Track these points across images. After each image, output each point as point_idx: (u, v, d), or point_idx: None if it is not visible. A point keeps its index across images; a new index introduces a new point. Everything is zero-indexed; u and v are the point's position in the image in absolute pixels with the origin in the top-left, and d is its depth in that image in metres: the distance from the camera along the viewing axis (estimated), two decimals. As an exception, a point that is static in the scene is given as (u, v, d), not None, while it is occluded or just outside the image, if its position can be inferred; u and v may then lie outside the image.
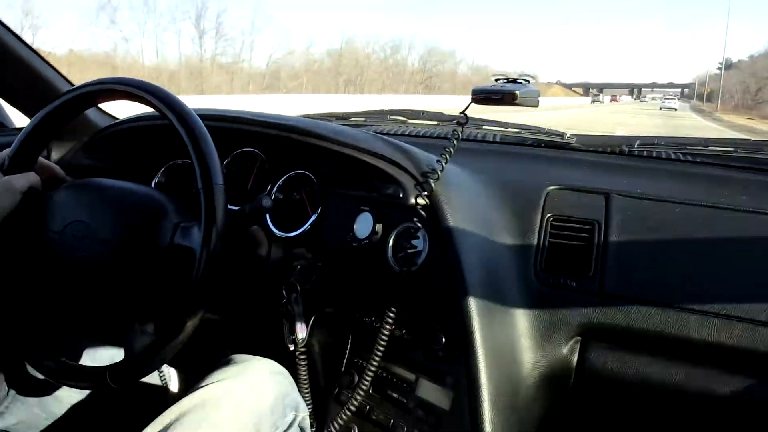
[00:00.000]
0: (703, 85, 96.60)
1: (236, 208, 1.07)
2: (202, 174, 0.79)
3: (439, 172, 0.90)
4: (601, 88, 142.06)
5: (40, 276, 0.86)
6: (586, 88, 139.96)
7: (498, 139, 1.26)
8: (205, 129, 0.82)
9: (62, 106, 0.90)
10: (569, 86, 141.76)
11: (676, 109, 46.31)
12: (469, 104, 0.93)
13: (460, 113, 0.96)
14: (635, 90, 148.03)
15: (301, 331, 0.98)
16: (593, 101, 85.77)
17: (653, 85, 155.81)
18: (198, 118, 0.82)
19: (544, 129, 1.27)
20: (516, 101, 0.89)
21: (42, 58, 1.26)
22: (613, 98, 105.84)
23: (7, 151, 0.89)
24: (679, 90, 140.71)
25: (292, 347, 0.99)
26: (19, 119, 1.38)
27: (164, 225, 0.83)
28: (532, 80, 0.96)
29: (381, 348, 0.89)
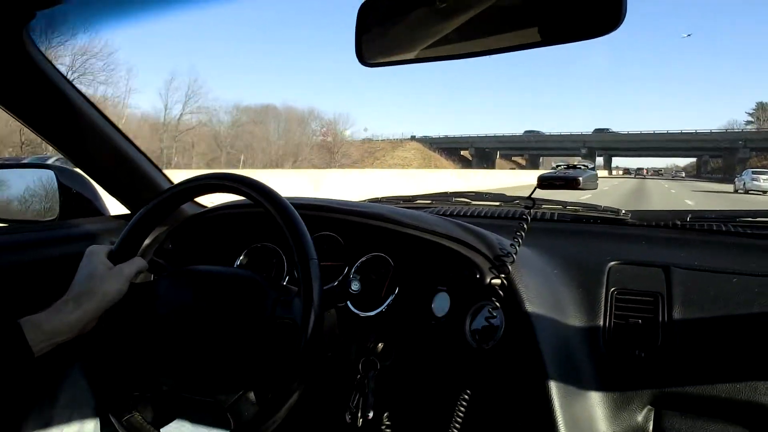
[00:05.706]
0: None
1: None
2: (298, 251, 0.88)
3: (514, 255, 0.98)
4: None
5: (148, 355, 0.95)
6: (535, 157, 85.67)
7: (556, 218, 1.34)
8: (296, 212, 0.91)
9: (165, 200, 1.02)
10: (508, 154, 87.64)
11: None
12: (535, 189, 1.03)
13: (528, 197, 1.05)
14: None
15: (370, 409, 1.01)
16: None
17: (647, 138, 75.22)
18: (289, 203, 0.92)
19: (600, 206, 1.35)
20: (579, 186, 0.99)
21: (144, 154, 1.41)
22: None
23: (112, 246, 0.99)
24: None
25: (349, 419, 1.01)
26: (114, 208, 1.52)
27: (264, 301, 0.91)
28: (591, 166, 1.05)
29: (457, 426, 0.93)
